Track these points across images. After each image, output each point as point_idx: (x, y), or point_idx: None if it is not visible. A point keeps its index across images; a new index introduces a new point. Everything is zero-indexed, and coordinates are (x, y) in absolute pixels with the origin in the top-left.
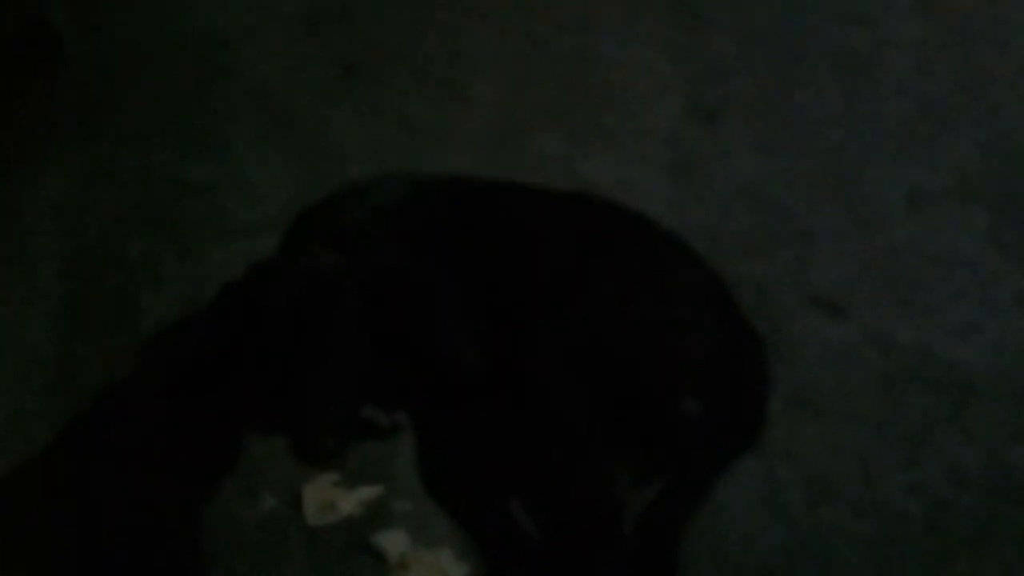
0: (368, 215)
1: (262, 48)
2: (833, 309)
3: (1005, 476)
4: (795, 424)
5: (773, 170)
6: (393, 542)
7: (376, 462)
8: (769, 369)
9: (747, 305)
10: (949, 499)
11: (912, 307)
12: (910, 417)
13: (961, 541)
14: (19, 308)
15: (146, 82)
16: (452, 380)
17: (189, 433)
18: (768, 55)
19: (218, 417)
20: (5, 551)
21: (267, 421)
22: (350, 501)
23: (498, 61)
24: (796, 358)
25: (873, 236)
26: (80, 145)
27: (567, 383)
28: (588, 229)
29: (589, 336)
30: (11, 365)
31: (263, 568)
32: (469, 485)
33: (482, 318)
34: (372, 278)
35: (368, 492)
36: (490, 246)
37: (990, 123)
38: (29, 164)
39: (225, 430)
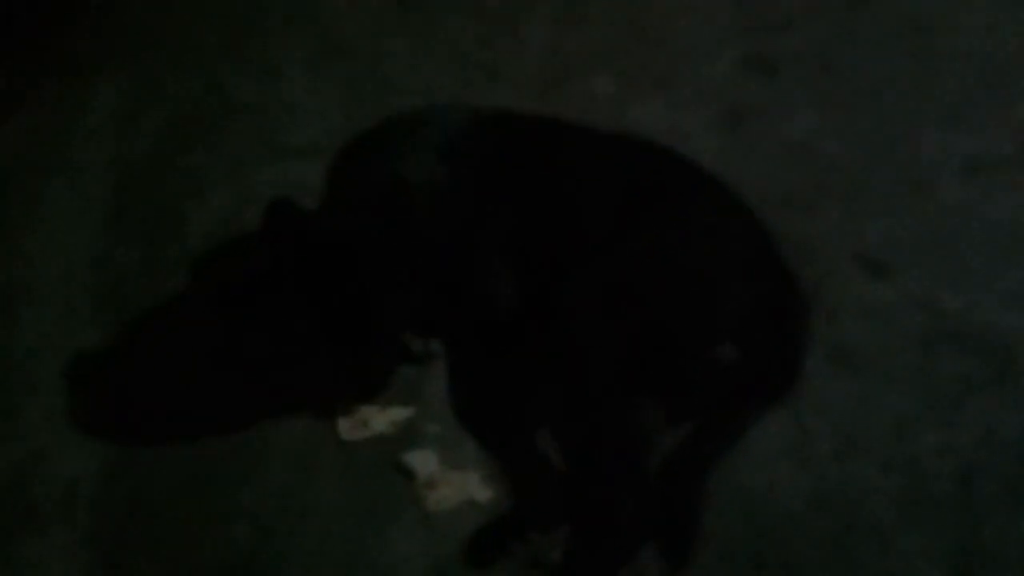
0: (416, 148)
1: None
2: (878, 269)
3: None
4: (830, 379)
5: (828, 127)
6: (422, 462)
7: (408, 386)
8: (809, 323)
9: (792, 260)
10: (981, 462)
11: (959, 272)
12: (948, 381)
13: (990, 503)
14: (70, 214)
15: (201, 1)
16: (486, 315)
17: (231, 345)
18: (832, 9)
19: (260, 331)
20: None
21: (306, 340)
22: (382, 420)
23: (553, 1)
24: (837, 315)
25: (925, 199)
26: (132, 61)
27: (602, 322)
28: (637, 171)
29: (630, 276)
30: (62, 266)
31: (297, 479)
32: (497, 415)
33: (524, 253)
34: (417, 226)
35: (399, 412)
36: (538, 182)
37: None
38: (83, 78)
39: (266, 344)
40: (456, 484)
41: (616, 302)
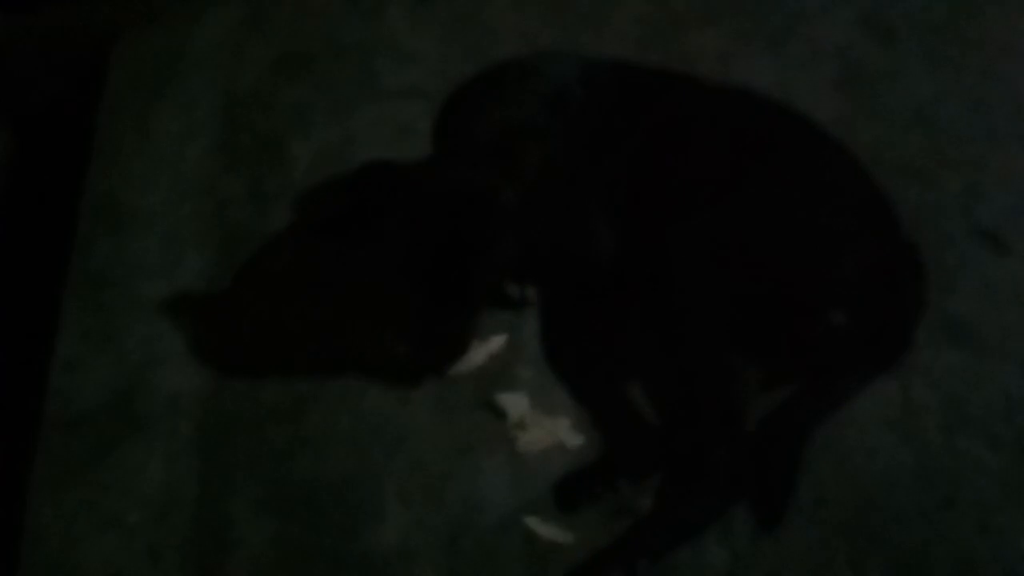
0: (524, 97)
1: None
2: (998, 243)
3: None
4: (941, 352)
5: (949, 94)
6: (515, 403)
7: (504, 330)
8: (923, 293)
9: (909, 228)
10: None
11: None
12: None
13: None
14: (178, 140)
15: None
16: (586, 263)
17: (328, 277)
18: None
19: (360, 268)
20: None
21: (405, 278)
22: (481, 352)
23: None
24: (953, 288)
25: None
26: None
27: (711, 275)
28: (751, 125)
29: (742, 229)
30: (170, 192)
31: (393, 408)
32: (590, 362)
33: (630, 203)
34: (527, 183)
35: (496, 342)
36: (648, 132)
37: None
38: (192, 8)
39: (362, 280)
40: (546, 428)
41: (726, 255)
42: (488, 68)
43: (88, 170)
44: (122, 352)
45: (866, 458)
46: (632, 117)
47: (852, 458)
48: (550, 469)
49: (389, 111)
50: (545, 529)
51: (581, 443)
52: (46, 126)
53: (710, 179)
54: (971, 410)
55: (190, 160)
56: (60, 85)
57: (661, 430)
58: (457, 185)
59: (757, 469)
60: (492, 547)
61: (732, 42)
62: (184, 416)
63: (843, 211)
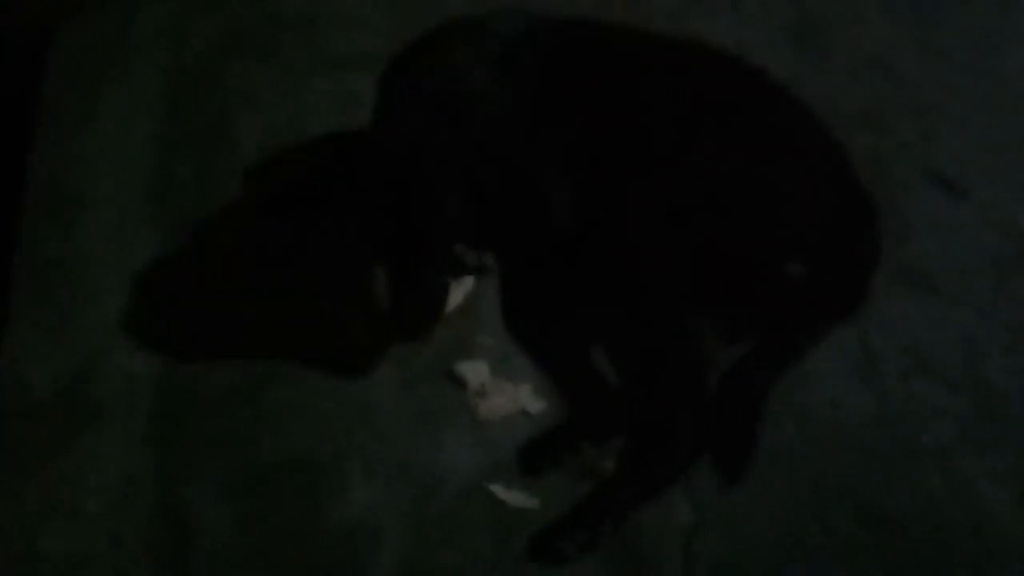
0: (472, 55)
1: None
2: (952, 187)
3: None
4: (898, 299)
5: (903, 41)
6: (475, 372)
7: (462, 298)
8: (879, 241)
9: (864, 176)
10: None
11: None
12: (1020, 303)
13: None
14: (124, 123)
15: None
16: (542, 227)
17: (281, 254)
18: None
19: (309, 241)
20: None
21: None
22: (456, 293)
23: None
24: (908, 234)
25: (1003, 118)
26: None
27: (665, 233)
28: (704, 80)
29: (695, 187)
30: (117, 173)
31: (351, 385)
32: (550, 328)
33: (583, 164)
34: (474, 135)
35: (467, 283)
36: (600, 91)
37: None
38: None
39: (316, 254)
40: (507, 394)
41: (680, 213)
42: (435, 27)
43: (33, 155)
44: (75, 339)
45: (827, 409)
46: (584, 75)
47: (813, 409)
48: (513, 435)
49: (338, 81)
50: (510, 495)
51: (543, 408)
52: None
53: (664, 136)
54: (930, 356)
55: (137, 142)
56: (1, 70)
57: (622, 391)
58: (400, 142)
59: (719, 424)
60: (458, 516)
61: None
62: (140, 401)
63: (797, 163)
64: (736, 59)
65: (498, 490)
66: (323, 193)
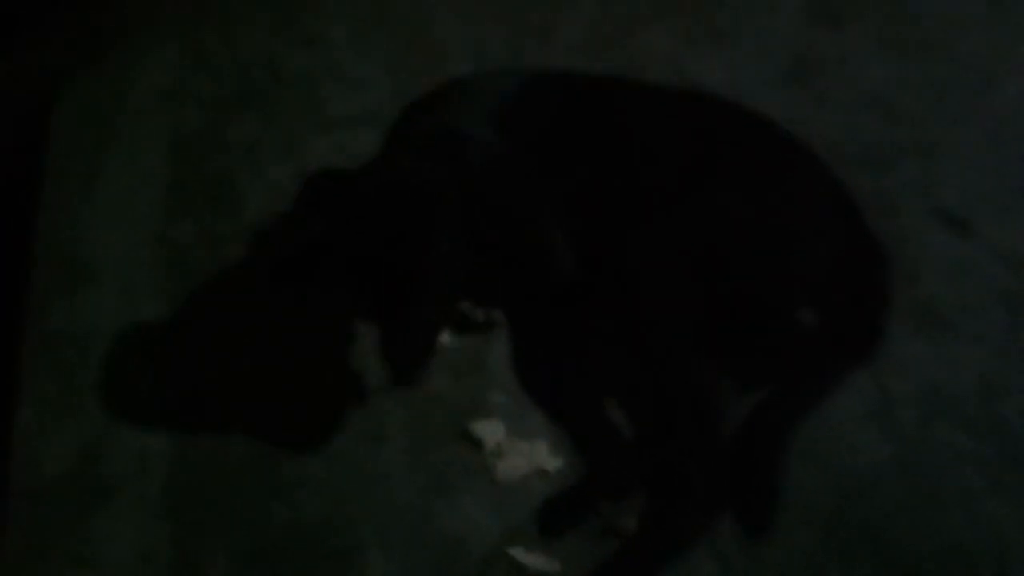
0: (471, 112)
1: None
2: (960, 224)
3: None
4: (913, 340)
5: (901, 78)
6: (490, 431)
7: (472, 356)
8: (890, 283)
9: (870, 217)
10: None
11: None
12: None
13: None
14: (128, 190)
15: None
16: (548, 281)
17: (292, 316)
18: None
19: (320, 303)
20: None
21: (368, 311)
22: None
23: None
24: (919, 273)
25: (1005, 151)
26: (181, 33)
27: (672, 287)
28: (705, 127)
29: (700, 235)
30: (121, 242)
31: (364, 448)
32: (562, 382)
33: (587, 215)
34: (472, 180)
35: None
36: (599, 142)
37: None
38: (132, 52)
39: (327, 316)
40: (524, 453)
41: (689, 261)
42: (433, 87)
43: (37, 225)
44: (84, 414)
45: (848, 455)
46: (582, 126)
47: (834, 457)
48: (531, 495)
49: (340, 140)
50: (531, 559)
51: (560, 465)
52: None
53: (667, 184)
54: (947, 397)
55: (141, 207)
56: (2, 137)
57: (640, 446)
58: (396, 183)
59: (739, 477)
60: None
61: (680, 42)
62: (152, 477)
63: (804, 208)
64: (735, 104)
65: (519, 554)
66: (325, 254)
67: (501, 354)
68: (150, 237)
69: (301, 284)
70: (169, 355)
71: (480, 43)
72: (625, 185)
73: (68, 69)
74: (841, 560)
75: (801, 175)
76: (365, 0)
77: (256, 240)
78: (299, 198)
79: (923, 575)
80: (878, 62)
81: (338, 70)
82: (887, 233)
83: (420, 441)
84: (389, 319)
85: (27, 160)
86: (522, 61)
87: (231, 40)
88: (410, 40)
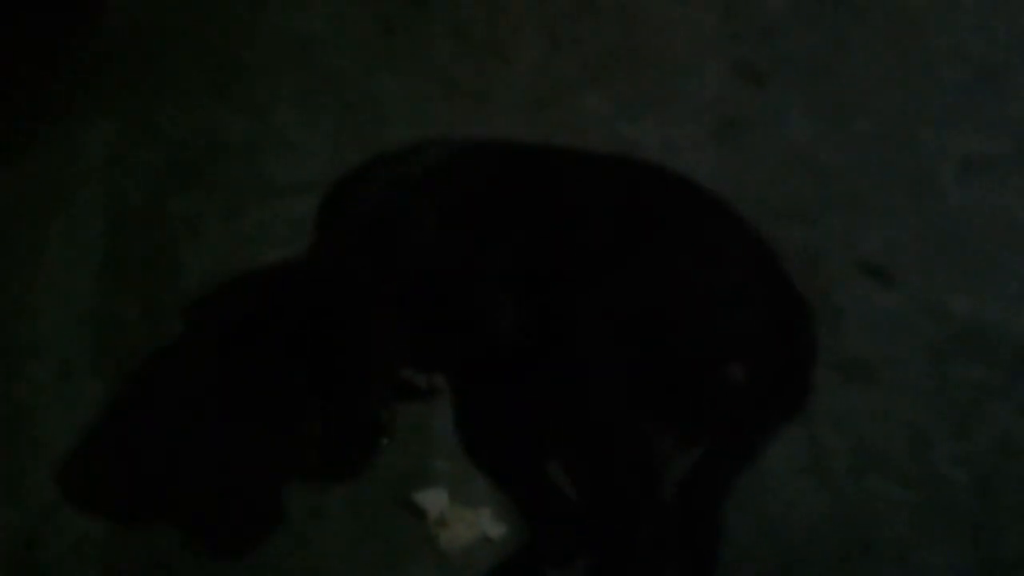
0: (398, 187)
1: (302, 6)
2: (883, 276)
3: None
4: (841, 392)
5: (822, 134)
6: (433, 500)
7: (414, 423)
8: (816, 337)
9: (795, 272)
10: (998, 470)
11: (965, 276)
12: (960, 388)
13: (1010, 513)
14: (64, 264)
15: (185, 40)
16: (488, 347)
17: (234, 390)
18: (820, 14)
19: (261, 375)
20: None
21: (311, 384)
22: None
23: (540, 21)
24: (844, 326)
25: (926, 203)
26: (119, 103)
27: (606, 349)
28: (632, 194)
29: (631, 302)
30: (58, 320)
31: (303, 526)
32: (506, 448)
33: (522, 284)
34: (404, 258)
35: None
36: (531, 212)
37: None
38: (74, 124)
39: (269, 388)
40: (468, 521)
41: (617, 326)
42: (363, 162)
43: None
44: (21, 498)
45: (783, 509)
46: (514, 194)
47: (769, 510)
48: (476, 564)
49: (281, 208)
50: None
51: (505, 532)
52: None
53: (597, 251)
54: (877, 448)
55: (81, 284)
56: None
57: (583, 509)
58: (331, 270)
59: (681, 534)
60: None
61: (614, 105)
62: (89, 564)
63: (729, 267)
64: (660, 168)
65: None
66: (264, 326)
67: (444, 420)
68: (90, 313)
69: (243, 356)
70: (106, 434)
71: (420, 108)
72: (558, 250)
73: (4, 139)
74: None
75: (726, 236)
76: (306, 66)
77: (194, 311)
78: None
79: None
80: (801, 119)
81: (280, 137)
82: (812, 285)
83: (362, 514)
84: (327, 408)
85: None
86: (461, 125)
87: (173, 110)
88: (351, 106)
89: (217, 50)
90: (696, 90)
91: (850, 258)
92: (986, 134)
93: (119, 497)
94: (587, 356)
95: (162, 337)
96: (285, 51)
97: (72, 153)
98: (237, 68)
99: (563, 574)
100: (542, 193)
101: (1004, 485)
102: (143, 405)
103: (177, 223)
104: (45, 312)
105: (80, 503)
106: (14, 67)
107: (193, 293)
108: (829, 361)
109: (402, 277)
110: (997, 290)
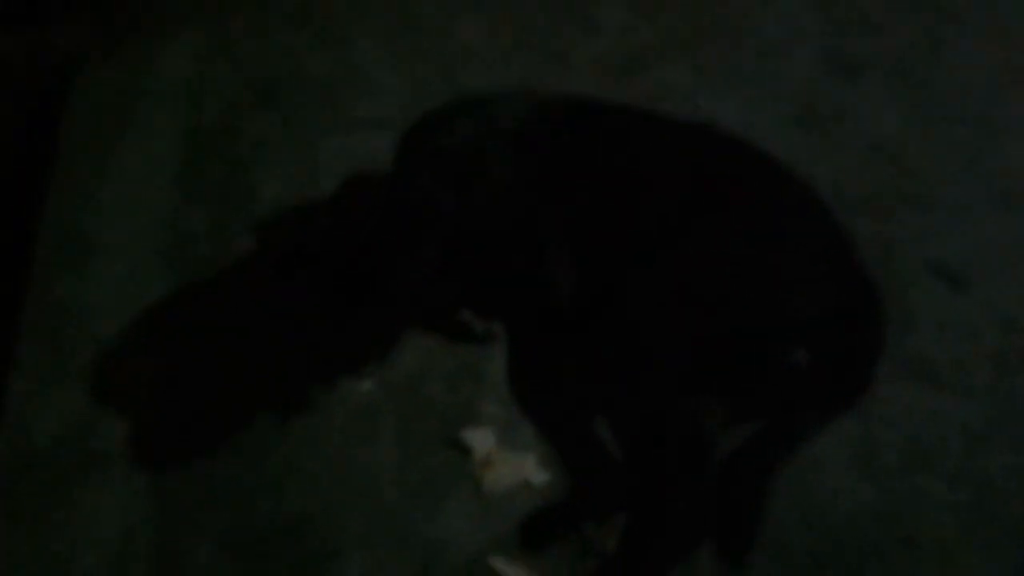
0: (484, 130)
1: None
2: (956, 281)
3: None
4: (901, 390)
5: (910, 132)
6: (480, 440)
7: (469, 365)
8: (883, 331)
9: (869, 265)
10: None
11: None
12: (1021, 400)
13: None
14: (141, 173)
15: None
16: (547, 300)
17: (294, 312)
18: (917, 13)
19: (323, 301)
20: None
21: (370, 311)
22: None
23: None
24: (911, 325)
25: (1006, 213)
26: (201, 24)
27: (669, 317)
28: (711, 163)
29: (699, 271)
30: (131, 225)
31: (354, 450)
32: (555, 400)
33: (590, 240)
34: (481, 197)
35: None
36: (607, 170)
37: None
38: (152, 40)
39: (329, 313)
40: (512, 465)
41: (684, 297)
42: (448, 101)
43: (48, 202)
44: (78, 389)
45: (828, 498)
46: (591, 153)
47: (814, 498)
48: (516, 507)
49: (355, 143)
50: (511, 570)
51: (547, 480)
52: (2, 156)
53: (670, 218)
54: (931, 448)
55: (152, 193)
56: (19, 114)
57: (627, 469)
58: (408, 200)
59: (721, 509)
60: None
61: (696, 79)
62: (141, 455)
63: (804, 249)
64: (743, 141)
65: (499, 564)
66: (334, 252)
67: (497, 366)
68: (159, 222)
69: (300, 278)
70: (168, 335)
71: (500, 61)
72: (629, 214)
73: (90, 48)
74: None
75: (803, 218)
76: (391, 6)
77: (265, 234)
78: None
79: None
80: (887, 113)
81: (359, 73)
82: (884, 281)
83: (410, 445)
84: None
85: (42, 137)
86: (539, 83)
87: (255, 33)
88: (431, 52)
89: None
90: (783, 73)
91: (924, 259)
92: None
93: (173, 395)
94: (644, 322)
95: (229, 253)
96: None
97: (153, 66)
98: (324, 2)
99: (599, 528)
100: (620, 154)
101: None
102: (205, 314)
103: (251, 146)
104: (117, 215)
105: (134, 398)
106: None
107: (262, 215)
108: (893, 357)
109: (475, 215)
110: None
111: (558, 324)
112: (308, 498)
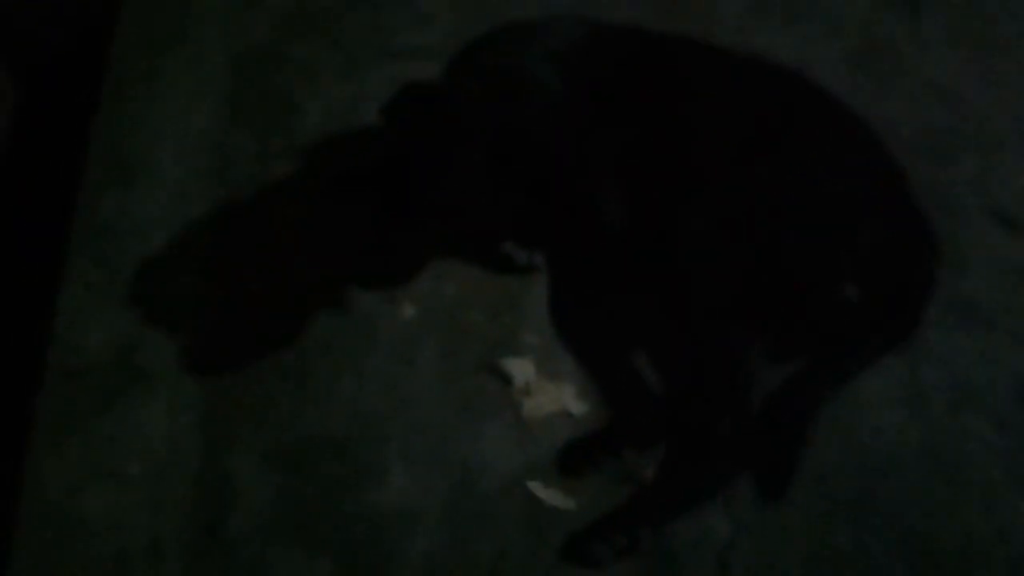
0: (534, 51)
1: None
2: (1012, 225)
3: None
4: (950, 331)
5: (971, 72)
6: (520, 369)
7: (510, 295)
8: (936, 272)
9: (924, 205)
10: None
11: None
12: None
13: None
14: (186, 96)
15: None
16: (591, 231)
17: (338, 233)
18: None
19: (373, 219)
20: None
21: (417, 229)
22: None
23: None
24: (965, 267)
25: None
26: None
27: (719, 249)
28: (766, 96)
29: (752, 204)
30: (178, 145)
31: (394, 372)
32: (596, 330)
33: (639, 171)
34: (529, 120)
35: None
36: (659, 101)
37: None
38: None
39: (376, 236)
40: (551, 394)
41: (735, 228)
42: (501, 25)
43: (95, 121)
44: (126, 305)
45: (872, 435)
46: (642, 82)
47: (858, 435)
48: (554, 435)
49: (401, 71)
50: (547, 494)
51: (585, 410)
52: (53, 76)
53: (723, 148)
54: (979, 390)
55: (198, 114)
56: (67, 35)
57: (666, 399)
58: (439, 101)
59: (763, 441)
60: (494, 510)
61: (751, 12)
62: (188, 369)
63: (859, 185)
64: (798, 76)
65: (536, 488)
66: (384, 169)
67: (539, 296)
68: (205, 143)
69: (351, 198)
70: (214, 255)
71: None
72: (681, 146)
73: None
74: (853, 535)
75: (859, 153)
76: None
77: (310, 157)
78: (386, 110)
79: (934, 561)
80: (949, 54)
81: (406, 2)
82: (939, 222)
83: (451, 370)
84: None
85: (90, 56)
86: (589, 12)
87: None
88: None
89: None
90: (841, 8)
91: (981, 202)
92: None
93: (219, 315)
94: (693, 254)
95: (273, 175)
96: None
97: None
98: None
99: (637, 457)
100: (672, 85)
101: None
102: (250, 236)
103: (297, 70)
104: (163, 135)
105: (181, 316)
106: None
107: (306, 139)
108: (944, 299)
109: (522, 131)
110: None
111: (603, 255)
112: (351, 417)
